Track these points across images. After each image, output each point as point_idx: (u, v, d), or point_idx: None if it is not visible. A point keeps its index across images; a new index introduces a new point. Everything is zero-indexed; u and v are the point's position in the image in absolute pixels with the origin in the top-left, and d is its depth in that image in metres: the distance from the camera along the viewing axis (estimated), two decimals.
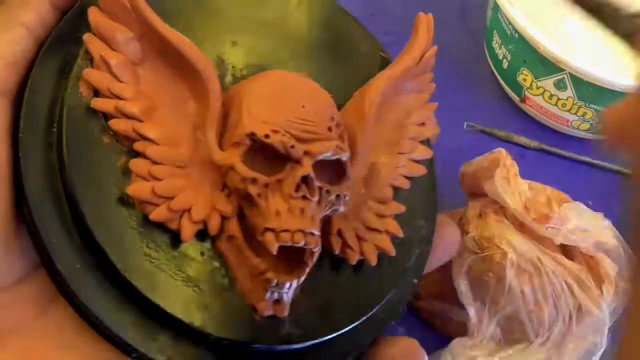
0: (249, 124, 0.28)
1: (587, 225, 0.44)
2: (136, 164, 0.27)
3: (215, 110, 0.29)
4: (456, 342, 0.46)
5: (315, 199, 0.28)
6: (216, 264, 0.28)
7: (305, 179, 0.28)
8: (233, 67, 0.32)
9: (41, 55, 0.28)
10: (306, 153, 0.28)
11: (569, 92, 0.56)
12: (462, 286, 0.45)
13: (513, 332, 0.45)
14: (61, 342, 0.27)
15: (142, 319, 0.27)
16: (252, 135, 0.27)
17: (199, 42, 0.30)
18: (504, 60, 0.62)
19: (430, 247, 0.34)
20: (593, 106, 0.57)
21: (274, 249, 0.26)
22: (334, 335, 0.30)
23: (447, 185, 0.58)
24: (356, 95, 0.33)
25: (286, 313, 0.28)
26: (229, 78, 0.31)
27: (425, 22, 0.34)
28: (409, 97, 0.34)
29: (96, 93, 0.28)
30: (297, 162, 0.28)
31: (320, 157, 0.28)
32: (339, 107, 0.32)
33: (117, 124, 0.27)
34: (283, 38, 0.33)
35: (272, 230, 0.27)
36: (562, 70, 0.55)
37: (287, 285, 0.27)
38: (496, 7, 0.60)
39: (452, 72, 0.68)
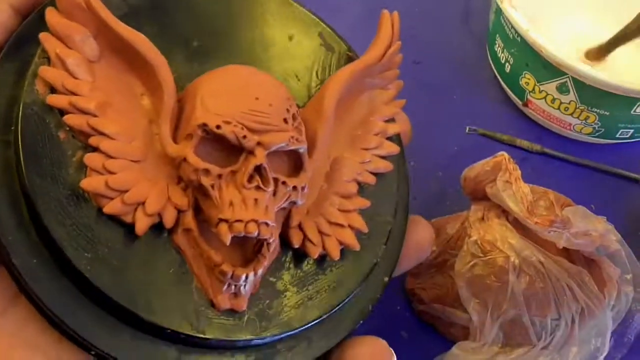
0: (201, 115, 0.28)
1: (589, 229, 0.44)
2: (91, 158, 0.27)
3: (168, 103, 0.29)
4: (459, 346, 0.46)
5: (270, 189, 0.28)
6: (173, 257, 0.28)
7: (259, 170, 0.28)
8: (191, 66, 0.32)
9: (0, 59, 0.29)
10: (259, 144, 0.28)
11: (572, 95, 0.56)
12: (465, 290, 0.45)
13: (515, 336, 0.45)
14: (25, 341, 0.27)
15: (100, 314, 0.27)
16: (204, 127, 0.28)
17: (160, 46, 0.30)
18: (507, 64, 0.62)
19: (401, 245, 0.34)
20: (596, 110, 0.57)
21: (227, 239, 0.26)
22: (294, 332, 0.30)
23: (449, 189, 0.59)
24: (317, 91, 0.33)
25: (244, 307, 0.28)
26: (187, 77, 0.32)
27: (388, 19, 0.34)
28: (374, 94, 0.34)
29: (52, 90, 0.28)
30: (251, 152, 0.28)
31: (274, 148, 0.28)
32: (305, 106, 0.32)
33: (72, 119, 0.28)
34: (242, 37, 0.34)
35: (226, 221, 0.27)
36: (564, 74, 0.55)
37: (243, 277, 0.27)
38: (498, 11, 0.60)
39: (454, 75, 0.68)
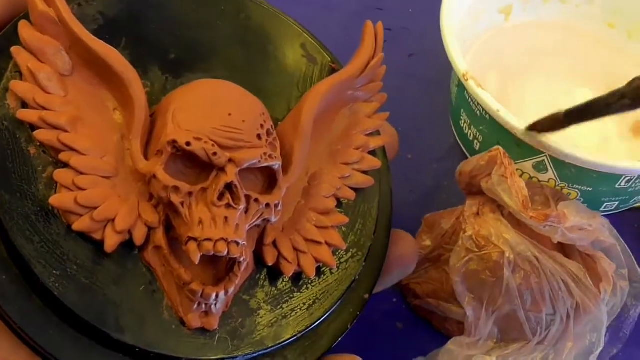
0: (172, 131, 0.28)
1: (585, 224, 0.44)
2: (60, 174, 0.27)
3: (139, 119, 0.28)
4: (454, 341, 0.45)
5: (241, 207, 0.27)
6: (143, 275, 0.28)
7: (230, 187, 0.27)
8: (167, 78, 0.31)
9: None
10: (230, 161, 0.28)
11: (550, 174, 0.50)
12: (460, 285, 0.45)
13: (510, 331, 0.45)
14: None
15: (70, 332, 0.26)
16: (173, 143, 0.27)
17: (137, 58, 0.30)
18: (475, 141, 0.55)
19: (382, 261, 0.33)
20: (577, 187, 0.50)
21: (196, 258, 0.26)
22: (268, 350, 0.29)
23: (445, 182, 0.58)
24: (296, 105, 0.32)
25: (216, 326, 0.28)
26: (168, 90, 0.31)
27: (372, 30, 0.34)
28: (357, 107, 0.34)
29: (24, 105, 0.28)
30: (222, 169, 0.27)
31: (246, 165, 0.28)
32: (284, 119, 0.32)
33: (42, 135, 0.27)
34: (223, 51, 0.33)
35: (195, 239, 0.26)
36: (541, 152, 0.48)
37: (213, 296, 0.27)
38: (461, 86, 0.52)
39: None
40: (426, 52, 0.67)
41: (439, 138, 0.61)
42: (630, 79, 0.41)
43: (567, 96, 0.60)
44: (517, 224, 0.44)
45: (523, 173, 0.50)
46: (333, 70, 0.34)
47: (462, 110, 0.55)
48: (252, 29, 0.34)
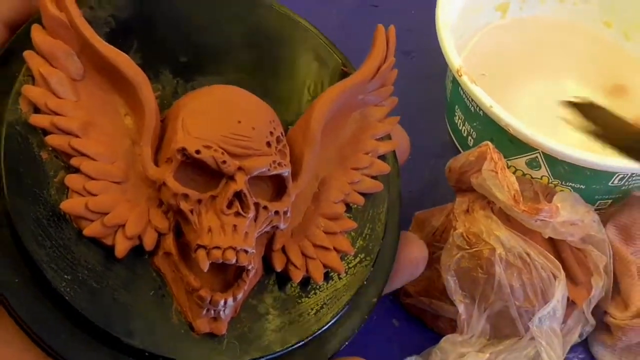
0: (182, 139, 0.28)
1: (576, 219, 0.43)
2: (72, 180, 0.27)
3: (150, 125, 0.29)
4: (446, 339, 0.45)
5: (250, 215, 0.27)
6: (153, 280, 0.28)
7: (239, 195, 0.27)
8: (178, 82, 0.31)
9: None
10: (240, 169, 0.28)
11: (543, 171, 0.49)
12: (451, 283, 0.44)
13: (503, 327, 0.45)
14: (7, 358, 0.27)
15: (81, 335, 0.27)
16: (183, 151, 0.27)
17: (148, 61, 0.30)
18: (469, 137, 0.55)
19: (391, 265, 0.33)
20: (570, 184, 0.50)
21: (205, 266, 0.26)
22: (275, 355, 0.29)
23: (442, 177, 0.58)
24: (306, 110, 0.32)
25: (224, 331, 0.28)
26: (179, 94, 0.31)
27: (383, 35, 0.34)
28: (367, 111, 0.34)
29: (36, 109, 0.28)
30: (231, 178, 0.28)
31: (255, 173, 0.28)
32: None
33: (54, 140, 0.27)
34: (234, 55, 0.33)
35: (204, 247, 0.26)
36: (534, 149, 0.48)
37: (222, 302, 0.27)
38: (456, 82, 0.52)
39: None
40: (423, 50, 0.67)
41: (434, 135, 0.61)
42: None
43: (563, 95, 0.59)
44: (507, 220, 0.44)
45: (516, 170, 0.50)
46: (344, 74, 0.34)
47: (457, 107, 0.55)
48: (263, 31, 0.34)
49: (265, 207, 0.28)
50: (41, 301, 0.26)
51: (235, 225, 0.27)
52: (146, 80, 0.29)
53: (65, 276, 0.26)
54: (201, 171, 0.28)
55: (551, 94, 0.60)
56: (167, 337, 0.27)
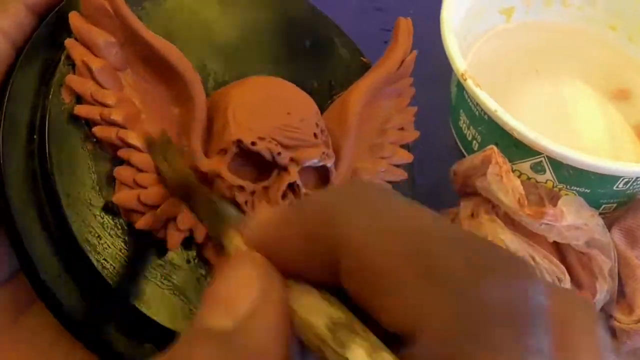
0: (236, 131, 0.28)
1: (581, 223, 0.43)
2: (121, 172, 0.27)
3: (200, 119, 0.29)
4: None
5: None
6: (202, 271, 0.28)
7: (292, 186, 0.28)
8: (215, 72, 0.31)
9: (20, 62, 0.28)
10: (292, 160, 0.28)
11: (548, 175, 0.49)
12: None
13: None
14: (36, 352, 0.27)
15: (127, 327, 0.27)
16: (238, 143, 0.27)
17: (181, 49, 0.29)
18: (474, 141, 0.54)
19: None
20: (575, 188, 0.49)
21: None
22: None
23: (444, 185, 0.58)
24: (338, 101, 0.32)
25: None
26: (211, 83, 0.31)
27: (406, 26, 0.34)
28: (390, 102, 0.34)
29: (78, 99, 0.27)
30: (284, 169, 0.28)
31: (307, 164, 0.28)
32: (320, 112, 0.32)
33: (101, 131, 0.27)
34: (263, 44, 0.33)
35: None
36: (539, 153, 0.47)
37: None
38: (460, 86, 0.52)
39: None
40: (427, 54, 0.67)
41: (438, 139, 0.61)
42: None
43: (567, 98, 0.60)
44: (512, 224, 0.44)
45: (521, 174, 0.49)
46: (364, 65, 0.34)
47: (461, 111, 0.55)
48: (291, 23, 0.34)
49: None
50: (87, 294, 0.26)
51: None
52: (196, 75, 0.29)
53: (115, 269, 0.26)
54: (251, 162, 0.28)
55: (555, 97, 0.60)
56: None
